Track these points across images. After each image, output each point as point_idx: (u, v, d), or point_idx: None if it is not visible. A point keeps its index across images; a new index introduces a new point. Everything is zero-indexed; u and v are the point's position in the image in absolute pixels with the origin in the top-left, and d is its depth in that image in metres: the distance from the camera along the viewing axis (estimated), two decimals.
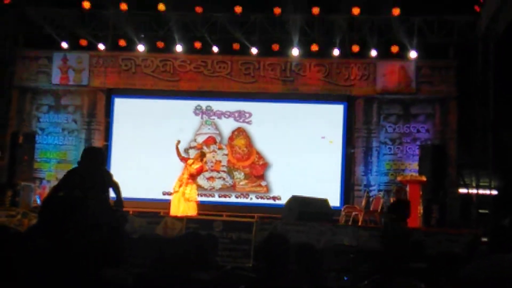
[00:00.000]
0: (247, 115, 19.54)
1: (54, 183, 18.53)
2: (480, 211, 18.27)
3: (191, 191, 16.34)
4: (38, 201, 17.82)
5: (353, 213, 16.95)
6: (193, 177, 16.46)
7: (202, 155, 16.89)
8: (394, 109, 19.08)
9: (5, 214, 15.45)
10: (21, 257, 4.06)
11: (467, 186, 19.51)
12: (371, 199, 17.82)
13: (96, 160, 7.19)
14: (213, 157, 19.44)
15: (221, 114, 19.63)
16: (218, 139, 19.56)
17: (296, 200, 15.82)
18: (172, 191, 16.58)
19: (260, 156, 19.40)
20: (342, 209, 17.38)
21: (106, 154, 19.32)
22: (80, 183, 6.76)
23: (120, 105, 19.91)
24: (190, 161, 16.60)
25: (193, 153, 19.01)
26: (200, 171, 16.78)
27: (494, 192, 19.40)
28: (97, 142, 19.40)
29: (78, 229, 3.97)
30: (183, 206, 16.14)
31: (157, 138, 19.27)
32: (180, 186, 16.32)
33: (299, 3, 18.90)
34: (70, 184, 6.86)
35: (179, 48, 19.46)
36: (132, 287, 4.57)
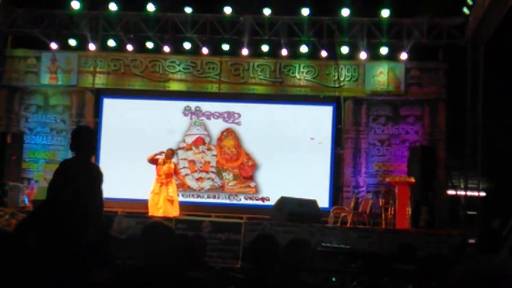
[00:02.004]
0: (236, 116, 19.53)
1: (42, 183, 18.53)
2: (468, 212, 18.31)
3: (173, 190, 16.45)
4: (26, 201, 17.80)
5: (342, 214, 16.98)
6: (170, 176, 16.51)
7: (172, 152, 16.87)
8: (383, 110, 19.09)
9: None
10: (9, 257, 4.04)
11: (455, 187, 19.56)
12: (359, 200, 17.85)
13: (91, 146, 7.05)
14: (202, 157, 19.43)
15: (210, 115, 19.61)
16: (207, 139, 19.54)
17: (285, 201, 15.83)
18: (150, 192, 16.63)
19: (249, 157, 19.40)
20: (331, 210, 17.41)
21: (95, 154, 19.29)
22: (75, 177, 6.67)
23: (109, 105, 19.88)
24: (160, 161, 16.61)
25: (182, 154, 19.00)
26: (176, 169, 16.89)
27: (483, 194, 19.46)
28: None
29: (71, 230, 3.96)
30: (165, 207, 16.20)
31: (146, 138, 19.24)
32: (160, 187, 16.39)
33: (289, 5, 18.93)
34: (65, 179, 6.75)
35: (168, 48, 19.45)
36: (120, 285, 4.56)
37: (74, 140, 6.99)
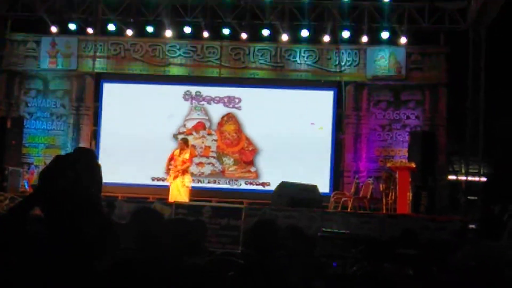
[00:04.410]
0: (237, 100, 19.48)
1: (42, 168, 18.45)
2: (469, 198, 18.30)
3: (189, 179, 16.43)
4: (26, 186, 17.79)
5: (342, 199, 16.95)
6: (185, 165, 16.46)
7: (185, 141, 16.84)
8: (384, 95, 19.03)
9: None
10: (12, 242, 4.01)
11: (456, 173, 19.54)
12: (360, 185, 17.81)
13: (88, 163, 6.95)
14: (202, 142, 19.40)
15: (210, 100, 19.55)
16: (207, 124, 19.50)
17: (285, 186, 15.81)
18: (167, 179, 16.67)
19: (249, 142, 19.36)
20: (332, 195, 17.39)
21: (95, 139, 19.33)
22: (71, 164, 6.60)
23: (109, 90, 19.83)
24: (176, 152, 16.54)
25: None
26: (192, 157, 16.85)
27: (483, 179, 19.44)
28: (86, 127, 19.39)
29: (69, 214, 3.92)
30: (177, 194, 16.18)
31: (146, 123, 19.22)
32: (176, 177, 16.33)
33: None
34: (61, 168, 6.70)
35: (168, 33, 19.35)
36: (118, 272, 4.52)
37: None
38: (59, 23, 19.49)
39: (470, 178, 18.83)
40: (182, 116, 19.50)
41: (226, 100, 19.52)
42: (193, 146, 18.84)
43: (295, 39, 19.25)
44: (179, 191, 16.22)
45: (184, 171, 16.40)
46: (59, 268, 3.70)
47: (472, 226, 13.31)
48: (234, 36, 19.42)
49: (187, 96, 19.59)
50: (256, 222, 5.52)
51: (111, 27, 19.51)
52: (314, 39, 19.23)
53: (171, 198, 16.08)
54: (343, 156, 18.95)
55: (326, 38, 19.01)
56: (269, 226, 5.43)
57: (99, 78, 19.79)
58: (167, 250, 4.75)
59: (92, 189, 6.42)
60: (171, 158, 16.65)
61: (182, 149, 16.55)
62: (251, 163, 19.28)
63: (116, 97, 19.76)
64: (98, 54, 19.49)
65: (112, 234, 5.16)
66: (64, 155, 6.96)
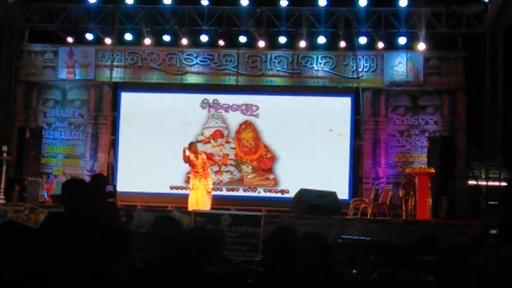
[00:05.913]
0: (254, 108, 19.47)
1: (61, 178, 18.60)
2: (490, 202, 18.16)
3: (210, 182, 16.48)
4: (46, 196, 17.87)
5: (362, 206, 16.90)
6: (207, 167, 16.46)
7: (190, 147, 16.67)
8: (402, 101, 18.97)
9: (12, 209, 15.43)
10: (30, 251, 4.03)
11: (476, 177, 19.42)
12: (379, 191, 17.76)
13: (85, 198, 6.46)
14: (221, 150, 19.40)
15: (228, 108, 19.56)
16: (225, 132, 19.50)
17: (304, 193, 15.77)
18: (190, 187, 16.54)
19: (267, 149, 19.34)
20: (351, 202, 17.34)
21: (113, 148, 19.37)
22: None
23: (127, 99, 19.87)
24: (192, 157, 16.41)
25: (200, 147, 18.90)
26: (209, 156, 16.88)
27: (504, 184, 19.29)
28: (104, 136, 19.43)
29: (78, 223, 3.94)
30: (201, 201, 16.09)
31: (164, 132, 19.26)
32: (200, 181, 16.25)
33: None
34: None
35: (185, 41, 19.38)
36: (138, 280, 4.53)
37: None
38: (75, 33, 19.60)
39: (490, 183, 18.70)
40: (200, 124, 19.51)
41: (243, 107, 19.52)
42: (211, 154, 18.80)
43: (312, 45, 19.24)
44: (202, 198, 16.15)
45: (206, 174, 16.37)
46: (71, 270, 3.71)
47: (493, 231, 13.20)
48: (251, 43, 19.43)
49: (204, 104, 19.60)
50: (276, 230, 5.49)
51: (128, 36, 19.57)
52: (331, 45, 19.22)
53: (191, 206, 16.03)
54: (362, 163, 18.90)
55: (343, 44, 19.00)
56: (289, 233, 5.40)
57: (117, 88, 19.84)
58: (185, 258, 4.74)
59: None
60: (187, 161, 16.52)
61: (195, 153, 16.44)
62: (270, 170, 19.26)
63: (133, 106, 19.81)
64: (115, 63, 19.52)
65: (122, 241, 5.16)
66: (56, 213, 6.95)
